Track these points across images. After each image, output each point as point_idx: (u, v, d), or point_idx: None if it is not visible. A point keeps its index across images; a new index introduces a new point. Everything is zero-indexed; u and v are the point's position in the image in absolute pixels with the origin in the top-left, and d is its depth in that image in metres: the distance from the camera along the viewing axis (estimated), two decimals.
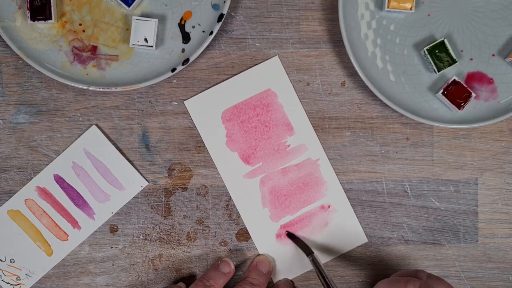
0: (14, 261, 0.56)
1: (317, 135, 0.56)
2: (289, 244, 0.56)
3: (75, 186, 0.55)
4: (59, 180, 0.55)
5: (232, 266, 0.55)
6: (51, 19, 0.52)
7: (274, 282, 0.56)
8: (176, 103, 0.56)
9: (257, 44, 0.56)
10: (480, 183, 0.57)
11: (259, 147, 0.56)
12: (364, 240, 0.57)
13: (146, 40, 0.52)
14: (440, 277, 0.49)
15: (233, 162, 0.56)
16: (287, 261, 0.56)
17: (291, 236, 0.56)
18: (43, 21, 0.52)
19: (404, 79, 0.54)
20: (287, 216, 0.56)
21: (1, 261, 0.56)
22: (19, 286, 0.56)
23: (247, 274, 0.54)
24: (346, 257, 0.57)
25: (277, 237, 0.56)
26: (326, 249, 0.56)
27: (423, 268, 0.57)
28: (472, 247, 0.57)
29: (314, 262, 0.52)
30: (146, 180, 0.56)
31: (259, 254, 0.56)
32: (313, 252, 0.54)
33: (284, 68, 0.56)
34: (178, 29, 0.54)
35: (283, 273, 0.57)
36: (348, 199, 0.56)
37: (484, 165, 0.57)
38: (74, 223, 0.56)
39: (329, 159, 0.56)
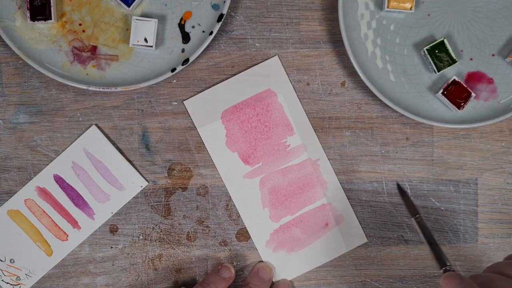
0: (14, 261, 0.56)
1: (317, 135, 0.56)
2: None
3: (75, 186, 0.55)
4: (59, 180, 0.55)
5: (233, 271, 0.55)
6: (51, 19, 0.52)
7: (274, 282, 0.56)
8: (176, 103, 0.56)
9: (257, 44, 0.56)
10: (480, 183, 0.57)
11: (259, 147, 0.56)
12: (364, 240, 0.57)
13: (146, 40, 0.52)
14: None
15: (233, 162, 0.56)
16: (287, 261, 0.56)
17: (401, 190, 0.50)
18: (43, 21, 0.52)
19: (404, 79, 0.54)
20: (287, 216, 0.56)
21: (1, 261, 0.56)
22: (19, 286, 0.56)
23: (248, 280, 0.54)
24: (346, 257, 0.57)
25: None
26: (326, 249, 0.56)
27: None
28: (472, 247, 0.57)
29: (420, 224, 0.46)
30: (146, 180, 0.56)
31: (260, 261, 0.56)
32: (418, 213, 0.47)
33: (284, 68, 0.56)
34: (178, 29, 0.54)
35: (282, 274, 0.57)
36: (348, 199, 0.56)
37: (484, 165, 0.57)
38: (74, 223, 0.56)
39: (329, 159, 0.56)
